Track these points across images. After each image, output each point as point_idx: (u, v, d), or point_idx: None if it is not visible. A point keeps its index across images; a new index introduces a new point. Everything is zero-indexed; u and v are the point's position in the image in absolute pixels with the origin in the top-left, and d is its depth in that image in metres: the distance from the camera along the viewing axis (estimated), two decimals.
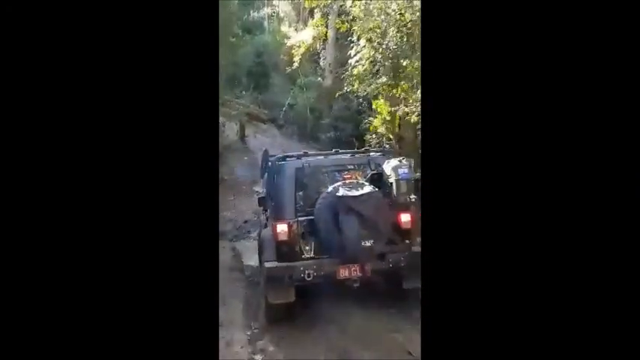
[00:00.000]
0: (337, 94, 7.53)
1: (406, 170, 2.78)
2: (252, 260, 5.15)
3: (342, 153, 3.47)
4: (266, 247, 3.03)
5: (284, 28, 13.81)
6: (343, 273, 2.84)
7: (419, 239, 2.74)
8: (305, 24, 12.79)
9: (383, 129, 5.90)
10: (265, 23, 14.63)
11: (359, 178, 2.85)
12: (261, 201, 3.99)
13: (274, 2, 15.14)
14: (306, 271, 2.75)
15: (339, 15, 5.97)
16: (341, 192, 2.68)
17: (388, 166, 2.87)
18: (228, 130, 9.22)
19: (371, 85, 5.33)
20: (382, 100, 5.72)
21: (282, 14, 15.21)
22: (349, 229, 2.61)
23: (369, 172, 2.95)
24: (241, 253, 5.43)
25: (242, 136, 9.32)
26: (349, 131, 9.89)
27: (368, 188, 2.73)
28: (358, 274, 2.84)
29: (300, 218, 2.88)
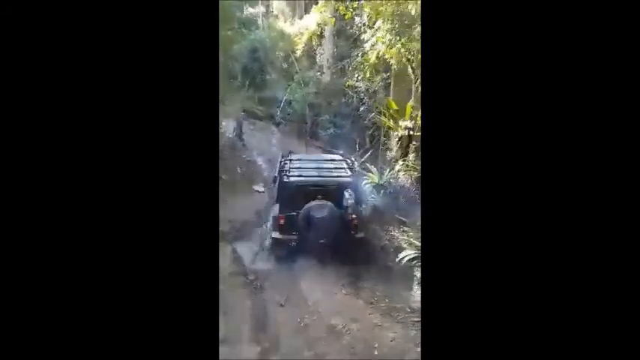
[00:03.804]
0: (347, 84, 7.23)
1: (352, 200, 4.67)
2: (255, 263, 4.83)
3: (324, 176, 5.33)
4: (273, 224, 4.90)
5: (280, 24, 13.49)
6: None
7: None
8: (302, 19, 12.49)
9: (391, 123, 5.63)
10: (260, 20, 14.33)
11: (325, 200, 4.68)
12: (275, 179, 5.44)
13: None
14: (292, 242, 4.77)
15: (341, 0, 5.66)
16: (313, 210, 4.56)
17: (346, 193, 4.71)
18: (225, 128, 8.88)
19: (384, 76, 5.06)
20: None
21: (275, 12, 14.91)
22: (313, 233, 4.57)
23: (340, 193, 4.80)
24: (242, 255, 5.10)
25: (239, 134, 8.98)
26: (349, 127, 9.60)
27: (327, 210, 4.56)
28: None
29: (291, 213, 4.74)
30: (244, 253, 5.17)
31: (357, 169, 6.03)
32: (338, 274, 4.58)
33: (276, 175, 5.19)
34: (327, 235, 4.47)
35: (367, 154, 7.83)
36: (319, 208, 4.48)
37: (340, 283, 4.41)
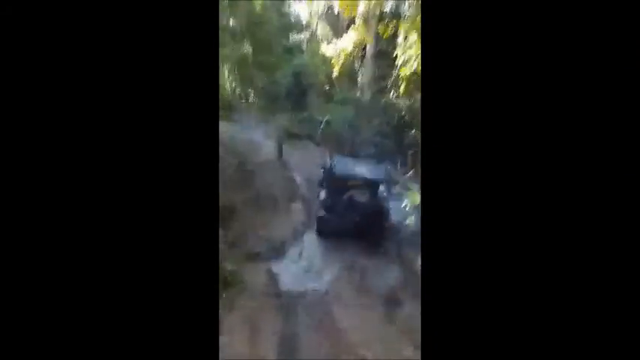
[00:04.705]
0: (386, 101, 7.15)
1: (385, 193, 6.20)
2: (290, 284, 4.73)
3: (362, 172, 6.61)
4: (320, 206, 6.34)
5: (323, 48, 13.91)
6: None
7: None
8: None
9: None
10: (304, 46, 14.87)
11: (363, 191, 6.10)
12: (324, 169, 6.77)
13: (312, 24, 15.45)
14: (332, 219, 6.16)
15: (380, 20, 5.64)
16: (354, 195, 6.02)
17: (381, 187, 6.21)
18: (267, 148, 9.15)
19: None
20: None
21: (320, 37, 15.41)
22: (351, 212, 5.99)
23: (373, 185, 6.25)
24: (278, 275, 5.03)
25: (280, 154, 9.19)
26: (390, 146, 9.37)
27: (365, 197, 6.03)
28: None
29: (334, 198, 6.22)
30: (279, 272, 5.11)
31: (391, 169, 7.19)
32: (374, 301, 4.33)
33: (326, 167, 6.56)
34: (362, 215, 5.88)
35: (409, 173, 7.52)
36: (359, 194, 6.00)
37: (375, 309, 4.15)
